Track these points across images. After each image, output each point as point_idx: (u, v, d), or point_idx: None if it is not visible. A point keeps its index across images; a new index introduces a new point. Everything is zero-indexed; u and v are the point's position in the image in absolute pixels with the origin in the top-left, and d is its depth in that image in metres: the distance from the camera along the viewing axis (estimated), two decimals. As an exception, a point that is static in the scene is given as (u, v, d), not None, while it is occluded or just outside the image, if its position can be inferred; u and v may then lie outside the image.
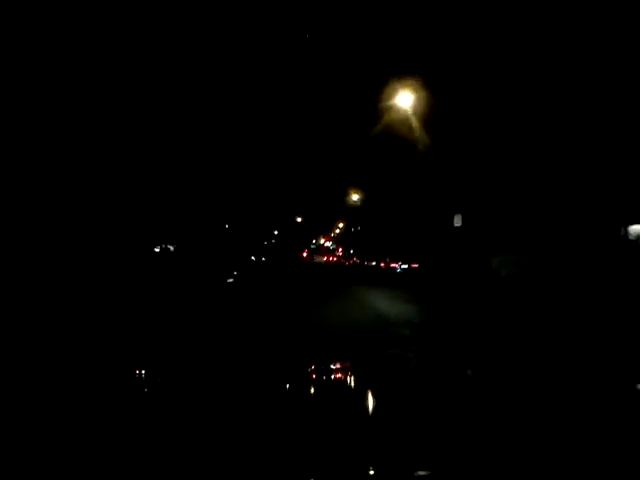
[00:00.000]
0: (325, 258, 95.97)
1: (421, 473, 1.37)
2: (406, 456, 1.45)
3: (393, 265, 36.58)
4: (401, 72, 22.86)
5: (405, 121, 24.05)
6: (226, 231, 35.62)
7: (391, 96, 23.52)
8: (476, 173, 23.60)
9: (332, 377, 2.79)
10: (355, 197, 55.99)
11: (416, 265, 31.79)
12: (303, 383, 2.52)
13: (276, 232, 79.40)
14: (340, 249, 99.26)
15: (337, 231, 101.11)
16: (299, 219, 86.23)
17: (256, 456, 1.46)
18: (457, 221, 22.95)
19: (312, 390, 2.50)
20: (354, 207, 58.65)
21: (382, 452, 1.49)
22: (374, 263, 46.94)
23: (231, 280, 26.36)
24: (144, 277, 20.32)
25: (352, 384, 2.61)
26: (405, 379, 2.48)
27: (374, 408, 2.06)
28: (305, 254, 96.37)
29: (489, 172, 23.07)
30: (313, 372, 2.77)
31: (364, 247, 58.65)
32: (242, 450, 1.51)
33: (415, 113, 23.13)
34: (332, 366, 2.90)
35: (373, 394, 2.23)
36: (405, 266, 33.68)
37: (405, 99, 23.14)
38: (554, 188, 22.41)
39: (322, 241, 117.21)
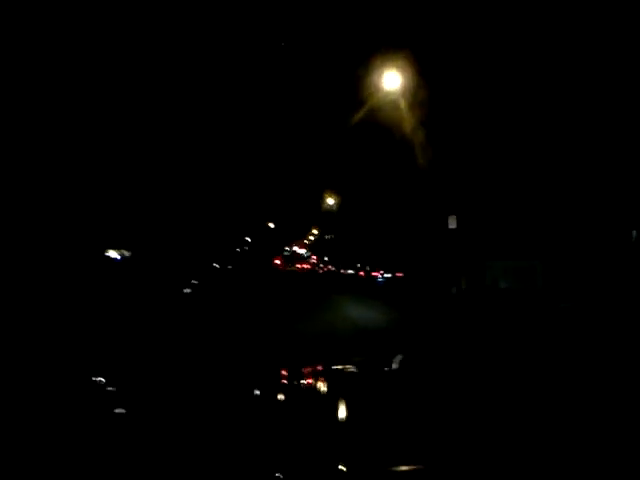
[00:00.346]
0: (299, 265, 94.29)
1: (398, 468, 1.40)
2: (374, 454, 1.48)
3: (374, 274, 33.15)
4: (387, 47, 19.52)
5: (390, 108, 20.77)
6: (185, 235, 32.08)
7: (374, 78, 20.26)
8: (474, 168, 20.40)
9: (302, 381, 2.75)
10: (331, 201, 52.66)
11: (401, 274, 28.49)
12: (271, 387, 2.46)
13: (248, 239, 76.80)
14: (314, 257, 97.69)
15: (311, 238, 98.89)
16: (271, 225, 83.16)
17: (224, 458, 1.48)
18: (452, 223, 19.73)
19: (281, 393, 2.45)
20: (329, 212, 55.41)
21: (350, 450, 1.51)
22: (351, 271, 44.21)
23: (188, 290, 22.98)
24: (88, 287, 17.79)
25: (322, 388, 2.59)
26: (372, 385, 2.42)
27: (340, 411, 2.03)
28: (278, 261, 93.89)
29: (488, 167, 19.91)
30: (283, 377, 2.74)
31: (340, 254, 55.53)
32: (210, 452, 1.51)
33: (403, 97, 19.87)
34: (303, 371, 2.90)
35: (342, 397, 2.19)
36: (388, 275, 30.27)
37: (391, 81, 19.83)
38: (559, 188, 19.44)
39: (295, 248, 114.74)
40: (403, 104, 20.35)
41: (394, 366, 2.81)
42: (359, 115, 22.54)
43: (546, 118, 18.84)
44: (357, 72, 21.53)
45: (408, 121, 20.51)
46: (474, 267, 20.45)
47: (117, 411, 1.98)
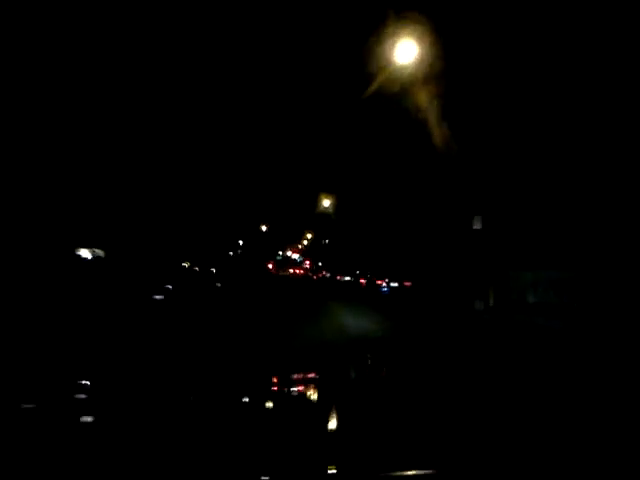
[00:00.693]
0: (292, 270, 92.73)
1: (386, 474, 1.40)
2: (365, 457, 1.48)
3: (379, 282, 29.62)
4: (401, 12, 16.14)
5: (402, 87, 17.47)
6: (161, 236, 29.13)
7: (386, 49, 16.92)
8: (502, 159, 17.03)
9: (295, 387, 2.72)
10: (327, 203, 49.27)
11: (409, 283, 25.05)
12: (264, 391, 2.46)
13: (241, 242, 74.42)
14: (307, 262, 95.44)
15: (305, 242, 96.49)
16: (264, 228, 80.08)
17: (214, 460, 1.48)
18: (477, 224, 16.40)
19: (274, 396, 2.43)
20: (325, 215, 52.08)
21: (341, 453, 1.52)
22: (348, 278, 41.09)
23: (160, 297, 19.87)
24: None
25: (314, 393, 2.58)
26: (365, 393, 2.36)
27: (331, 418, 1.99)
28: (271, 266, 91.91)
29: (519, 158, 16.56)
30: (275, 383, 2.74)
31: (336, 260, 52.23)
32: (202, 453, 1.51)
33: (419, 73, 16.55)
34: (295, 376, 2.91)
35: (334, 403, 2.18)
36: (395, 284, 26.73)
37: (406, 52, 16.47)
38: (601, 182, 16.09)
39: (289, 253, 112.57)
40: (417, 80, 17.05)
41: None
42: (363, 97, 19.14)
43: (587, 110, 15.62)
44: (365, 43, 18.15)
45: (423, 101, 17.19)
46: (499, 277, 17.11)
47: (84, 419, 1.92)
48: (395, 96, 18.45)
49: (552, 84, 15.91)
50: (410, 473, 1.37)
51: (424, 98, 17.14)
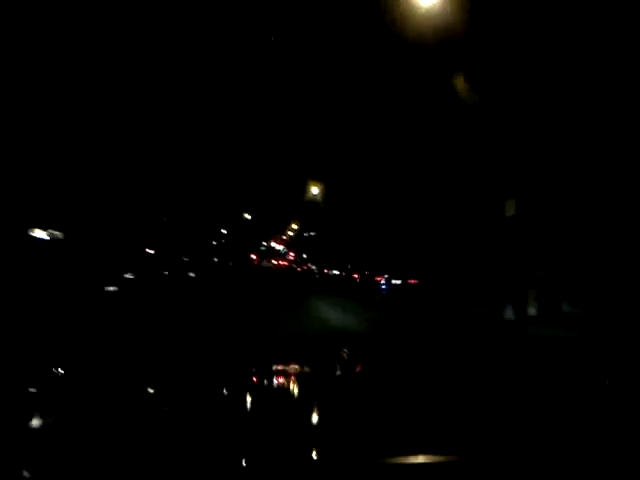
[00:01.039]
0: (275, 262, 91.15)
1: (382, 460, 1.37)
2: (346, 445, 1.47)
3: (378, 279, 26.51)
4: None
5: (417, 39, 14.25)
6: (125, 220, 26.62)
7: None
8: (540, 132, 13.81)
9: (274, 380, 2.65)
10: (315, 190, 46.11)
11: (415, 281, 21.93)
12: (244, 381, 2.42)
13: (224, 231, 72.22)
14: (292, 253, 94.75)
15: (290, 234, 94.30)
16: (248, 217, 77.18)
17: (192, 451, 1.43)
18: (510, 210, 13.30)
19: (254, 387, 2.37)
20: (313, 203, 48.99)
21: (325, 442, 1.51)
22: (337, 272, 38.33)
23: (113, 288, 17.03)
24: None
25: (295, 384, 2.55)
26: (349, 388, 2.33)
27: (313, 407, 1.98)
28: (254, 256, 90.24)
29: (565, 129, 13.36)
30: (254, 373, 2.68)
31: (324, 252, 49.21)
32: (178, 443, 1.46)
33: (442, 23, 13.31)
34: (275, 367, 2.87)
35: (316, 395, 2.18)
36: (397, 281, 23.51)
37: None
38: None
39: (273, 244, 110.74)
40: (437, 31, 13.85)
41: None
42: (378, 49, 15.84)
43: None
44: None
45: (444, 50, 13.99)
46: (537, 279, 13.97)
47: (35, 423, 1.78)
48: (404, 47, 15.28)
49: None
50: (429, 460, 1.30)
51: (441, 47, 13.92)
